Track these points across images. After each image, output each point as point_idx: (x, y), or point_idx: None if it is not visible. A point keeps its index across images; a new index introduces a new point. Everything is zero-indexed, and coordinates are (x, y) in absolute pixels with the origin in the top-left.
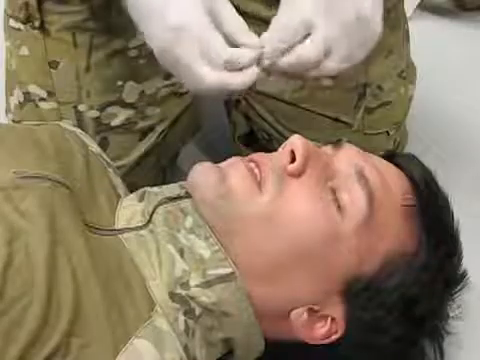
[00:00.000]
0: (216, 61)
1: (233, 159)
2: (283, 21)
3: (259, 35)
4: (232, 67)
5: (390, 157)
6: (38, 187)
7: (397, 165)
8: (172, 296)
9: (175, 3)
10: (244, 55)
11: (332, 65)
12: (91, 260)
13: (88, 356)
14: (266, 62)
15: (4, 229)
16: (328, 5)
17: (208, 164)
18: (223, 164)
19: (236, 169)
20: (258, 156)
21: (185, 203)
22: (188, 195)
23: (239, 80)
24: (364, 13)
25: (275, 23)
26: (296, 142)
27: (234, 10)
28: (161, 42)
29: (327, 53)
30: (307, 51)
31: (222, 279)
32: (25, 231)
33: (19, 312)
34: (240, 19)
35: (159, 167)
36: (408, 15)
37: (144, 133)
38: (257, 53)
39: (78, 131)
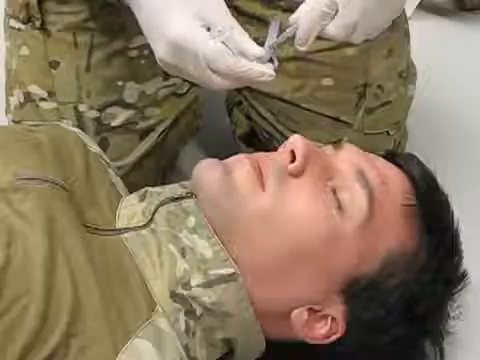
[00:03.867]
0: (229, 76)
1: (238, 156)
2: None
3: (256, 34)
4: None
5: (390, 157)
6: (37, 189)
7: (397, 165)
8: (173, 296)
9: (176, 17)
10: (257, 70)
11: (357, 39)
12: (90, 261)
13: (88, 356)
14: (300, 49)
15: (2, 231)
16: None
17: (213, 160)
18: (228, 160)
19: (241, 165)
20: (259, 156)
21: (187, 203)
22: (190, 195)
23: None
24: None
25: (304, 12)
26: (296, 142)
27: (237, 23)
28: (164, 55)
29: (354, 30)
30: (333, 32)
31: (223, 279)
32: (23, 233)
33: (18, 312)
34: (242, 30)
35: (159, 167)
36: (408, 15)
37: (144, 133)
38: (266, 70)
39: (78, 131)
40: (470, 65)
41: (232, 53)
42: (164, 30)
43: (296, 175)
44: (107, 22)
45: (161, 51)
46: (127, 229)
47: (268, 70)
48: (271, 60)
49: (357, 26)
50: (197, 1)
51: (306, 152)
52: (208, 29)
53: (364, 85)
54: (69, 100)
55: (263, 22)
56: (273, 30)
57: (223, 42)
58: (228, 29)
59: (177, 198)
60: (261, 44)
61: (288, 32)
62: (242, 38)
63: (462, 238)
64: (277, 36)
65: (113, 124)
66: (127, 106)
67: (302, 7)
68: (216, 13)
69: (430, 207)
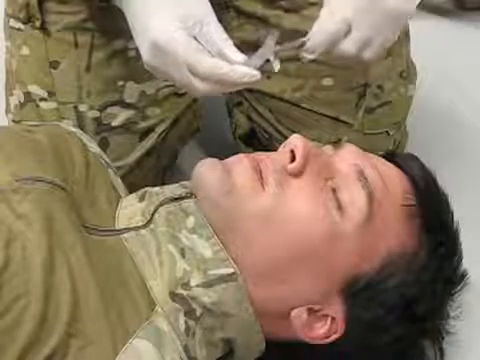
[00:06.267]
0: (208, 79)
1: (238, 156)
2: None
3: (257, 33)
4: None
5: (390, 157)
6: (36, 190)
7: (397, 165)
8: (173, 296)
9: (156, 20)
10: (237, 71)
11: (369, 55)
12: (89, 261)
13: (88, 356)
14: (306, 56)
15: (2, 231)
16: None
17: (213, 160)
18: (228, 160)
19: (241, 165)
20: (259, 156)
21: (187, 203)
22: (190, 195)
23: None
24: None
25: (317, 25)
26: (296, 142)
27: (220, 26)
28: (147, 58)
29: (365, 47)
30: (347, 48)
31: (223, 279)
32: (23, 233)
33: (18, 313)
34: (225, 35)
35: (159, 167)
36: None
37: (144, 133)
38: (247, 71)
39: (78, 132)
40: (470, 65)
41: (211, 55)
42: (146, 32)
43: (296, 175)
44: (106, 22)
45: (145, 54)
46: (126, 229)
47: (250, 71)
48: (267, 62)
49: (370, 42)
50: (181, 3)
51: (306, 152)
52: (188, 31)
53: (364, 85)
54: (69, 100)
55: (264, 22)
56: (270, 39)
57: (202, 44)
58: (204, 26)
59: (177, 198)
60: (258, 46)
61: (296, 42)
62: (224, 44)
63: (462, 238)
64: (275, 45)
65: (113, 124)
66: (127, 106)
67: (317, 21)
68: (198, 16)
69: (430, 207)
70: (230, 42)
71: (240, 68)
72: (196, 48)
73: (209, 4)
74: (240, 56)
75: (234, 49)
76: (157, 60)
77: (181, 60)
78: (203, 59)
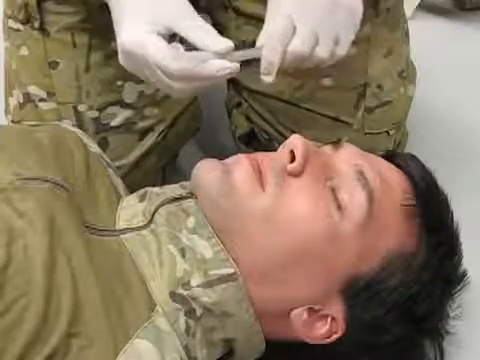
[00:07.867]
0: (182, 77)
1: (237, 156)
2: (270, 29)
3: (256, 34)
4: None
5: (390, 157)
6: (37, 189)
7: (397, 165)
8: (173, 296)
9: (126, 23)
10: (207, 67)
11: (323, 51)
12: (90, 261)
13: (88, 356)
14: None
15: (3, 230)
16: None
17: (212, 160)
18: (227, 160)
19: (240, 165)
20: (258, 156)
21: (187, 203)
22: (190, 195)
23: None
24: None
25: (263, 33)
26: (296, 142)
27: (198, 19)
28: (122, 61)
29: (316, 42)
30: (298, 47)
31: (224, 279)
32: (24, 233)
33: (19, 312)
34: (206, 26)
35: (159, 167)
36: (408, 15)
37: (144, 133)
38: (224, 64)
39: (78, 131)
40: (470, 65)
41: (182, 55)
42: (119, 35)
43: (296, 175)
44: (105, 22)
45: (119, 56)
46: (127, 229)
47: (225, 63)
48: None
49: (318, 38)
50: (153, 6)
51: (305, 152)
52: (159, 34)
53: (364, 85)
54: (68, 100)
55: (263, 23)
56: (257, 51)
57: (185, 39)
58: (181, 22)
59: (177, 198)
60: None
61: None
62: (207, 34)
63: (462, 238)
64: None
65: (112, 124)
66: (126, 106)
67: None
68: (172, 15)
69: (430, 207)
70: (211, 30)
71: (211, 64)
72: (164, 49)
73: (188, 4)
74: (224, 44)
75: (219, 38)
76: (130, 63)
77: (152, 64)
78: (172, 61)
